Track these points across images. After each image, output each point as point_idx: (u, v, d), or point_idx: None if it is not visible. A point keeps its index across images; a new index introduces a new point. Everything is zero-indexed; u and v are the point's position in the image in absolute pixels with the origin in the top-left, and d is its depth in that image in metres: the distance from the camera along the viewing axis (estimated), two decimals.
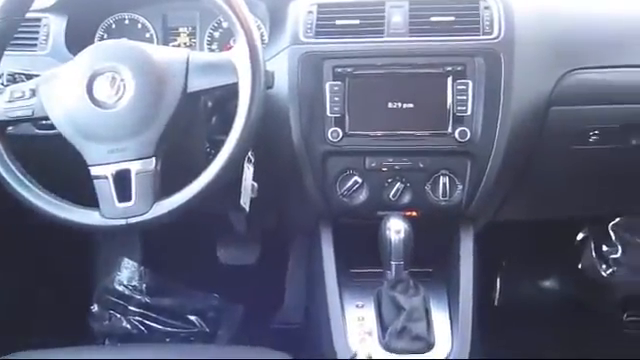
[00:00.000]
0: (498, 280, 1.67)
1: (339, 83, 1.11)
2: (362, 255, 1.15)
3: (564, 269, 1.67)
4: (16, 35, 1.02)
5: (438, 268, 1.23)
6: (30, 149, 1.00)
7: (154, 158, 0.94)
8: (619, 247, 1.63)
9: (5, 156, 0.97)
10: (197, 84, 0.96)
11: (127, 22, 1.30)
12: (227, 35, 1.28)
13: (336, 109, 1.11)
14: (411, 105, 1.11)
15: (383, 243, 1.08)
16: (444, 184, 1.14)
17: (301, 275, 1.60)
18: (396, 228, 1.07)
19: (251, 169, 1.09)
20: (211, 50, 1.29)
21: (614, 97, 1.13)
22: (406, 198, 1.15)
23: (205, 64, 0.97)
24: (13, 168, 0.97)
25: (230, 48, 1.00)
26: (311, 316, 1.42)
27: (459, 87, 1.09)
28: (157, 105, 0.94)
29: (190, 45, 1.30)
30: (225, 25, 1.27)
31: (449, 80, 1.10)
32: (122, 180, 0.93)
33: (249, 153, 1.07)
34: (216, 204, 1.04)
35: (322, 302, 1.15)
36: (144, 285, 1.59)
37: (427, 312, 1.10)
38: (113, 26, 1.29)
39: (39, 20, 1.20)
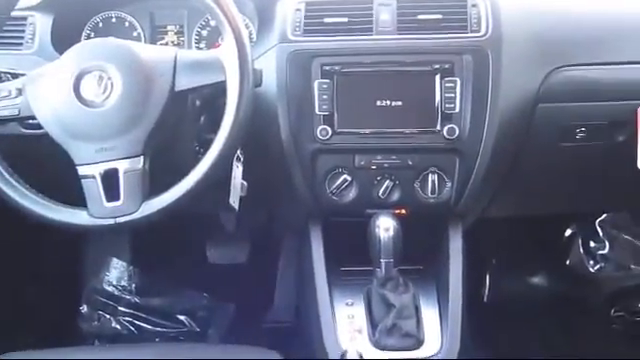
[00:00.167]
0: (487, 277, 1.68)
1: (327, 81, 1.11)
2: (352, 253, 1.15)
3: (552, 265, 1.68)
4: (1, 34, 1.01)
5: (428, 265, 1.24)
6: (17, 149, 0.99)
7: (142, 157, 0.93)
8: (606, 243, 1.64)
9: None
10: (185, 82, 0.96)
11: (114, 20, 1.29)
12: (215, 33, 1.27)
13: (325, 107, 1.11)
14: (400, 103, 1.11)
15: (372, 241, 1.08)
16: (433, 181, 1.14)
17: (291, 274, 1.60)
18: (385, 226, 1.07)
19: (240, 168, 1.09)
20: (199, 49, 1.29)
21: (600, 94, 1.13)
22: (395, 196, 1.15)
23: (193, 62, 0.97)
24: (0, 168, 0.96)
25: (218, 46, 1.00)
26: (301, 314, 1.43)
27: (447, 85, 1.10)
28: (145, 104, 0.94)
29: (178, 43, 1.29)
30: (213, 23, 1.27)
31: (437, 78, 1.10)
32: (110, 179, 0.93)
33: (238, 152, 1.07)
34: (205, 203, 1.03)
35: (312, 300, 1.15)
36: (133, 285, 1.59)
37: (417, 309, 1.11)
38: (100, 25, 1.29)
39: (25, 19, 1.19)
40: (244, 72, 0.95)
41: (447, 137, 1.11)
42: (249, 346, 1.02)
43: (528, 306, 1.65)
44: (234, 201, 1.08)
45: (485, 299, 1.67)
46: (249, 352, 1.01)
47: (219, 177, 0.98)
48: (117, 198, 0.93)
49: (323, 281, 1.15)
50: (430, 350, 1.07)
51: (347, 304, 1.16)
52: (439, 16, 1.12)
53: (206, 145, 0.97)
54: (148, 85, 0.94)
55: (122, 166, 0.93)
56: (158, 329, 1.56)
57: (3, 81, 1.04)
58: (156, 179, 0.95)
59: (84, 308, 1.56)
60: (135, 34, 1.29)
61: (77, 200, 0.95)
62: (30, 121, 1.00)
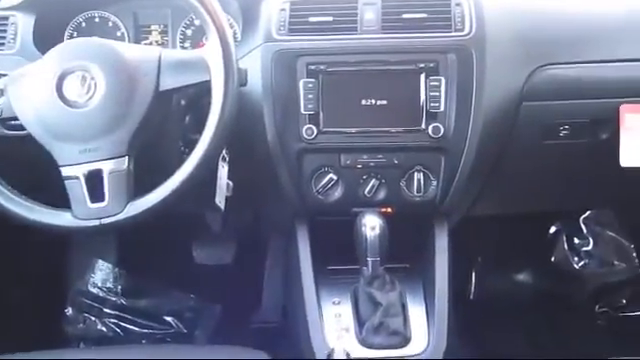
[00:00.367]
0: (473, 274, 1.69)
1: (313, 80, 1.11)
2: (338, 252, 1.15)
3: (537, 262, 1.70)
4: None
5: (414, 263, 1.24)
6: None
7: (127, 157, 0.93)
8: (590, 240, 1.66)
9: None
10: (169, 82, 0.95)
11: (97, 20, 1.28)
12: (200, 33, 1.27)
13: (310, 106, 1.11)
14: (385, 102, 1.11)
15: (359, 239, 1.08)
16: (418, 180, 1.14)
17: (278, 274, 1.60)
18: (371, 224, 1.07)
19: (226, 168, 1.08)
20: (184, 48, 1.28)
21: (583, 92, 1.14)
22: (381, 194, 1.16)
23: (177, 62, 0.97)
24: None
25: (203, 46, 0.99)
26: (288, 314, 1.42)
27: (432, 83, 1.10)
28: (129, 104, 0.93)
29: (162, 43, 1.29)
30: (197, 23, 1.26)
31: (422, 77, 1.10)
32: (94, 180, 0.92)
33: (223, 152, 1.06)
34: (191, 203, 1.03)
35: (299, 300, 1.15)
36: (119, 287, 1.58)
37: (404, 307, 1.11)
38: (83, 24, 1.27)
39: (6, 19, 1.18)
40: (229, 71, 0.95)
41: (432, 136, 1.11)
42: (237, 346, 1.02)
43: (514, 303, 1.66)
44: (220, 201, 1.08)
45: (471, 296, 1.68)
46: (237, 352, 1.00)
47: (204, 177, 0.98)
48: (102, 199, 0.92)
49: (310, 280, 1.15)
50: (417, 348, 1.08)
51: (334, 303, 1.16)
52: (423, 15, 1.13)
53: (191, 145, 0.96)
54: (132, 85, 0.94)
55: (106, 167, 0.92)
56: (144, 331, 1.55)
57: None
58: (141, 179, 0.94)
59: (69, 310, 1.55)
60: (119, 34, 1.28)
61: (61, 201, 0.94)
62: (12, 122, 0.99)
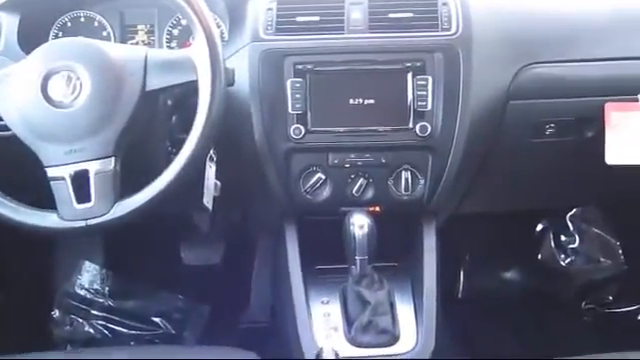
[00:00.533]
0: (461, 272, 1.69)
1: (300, 80, 1.11)
2: (327, 251, 1.16)
3: (525, 260, 1.71)
4: None
5: (402, 262, 1.25)
6: None
7: (113, 158, 0.92)
8: (577, 237, 1.67)
9: None
10: (156, 82, 0.95)
11: (83, 20, 1.27)
12: (186, 33, 1.26)
13: (298, 106, 1.11)
14: (372, 101, 1.12)
15: (347, 239, 1.08)
16: (406, 179, 1.15)
17: (266, 273, 1.59)
18: (360, 223, 1.07)
19: (213, 168, 1.08)
20: (170, 48, 1.27)
21: (568, 91, 1.15)
22: (369, 193, 1.16)
23: (164, 62, 0.96)
24: None
25: (189, 46, 0.99)
26: (277, 314, 1.42)
27: (419, 83, 1.11)
28: (115, 104, 0.92)
29: (148, 43, 1.28)
30: (184, 22, 1.26)
31: (409, 76, 1.11)
32: (80, 181, 0.91)
33: (211, 152, 1.06)
34: (178, 204, 1.03)
35: (288, 299, 1.15)
36: (106, 288, 1.57)
37: (392, 306, 1.12)
38: (68, 24, 1.26)
39: None
40: (216, 71, 0.94)
41: (419, 135, 1.11)
42: (225, 347, 1.01)
43: (502, 301, 1.67)
44: (208, 201, 1.08)
45: (459, 294, 1.69)
46: (226, 353, 1.00)
47: (192, 177, 0.98)
48: (88, 200, 0.91)
49: (298, 280, 1.15)
50: (406, 346, 1.08)
51: (323, 302, 1.16)
52: (410, 14, 1.13)
53: (178, 145, 0.96)
54: (118, 85, 0.93)
55: (93, 167, 0.91)
56: (132, 332, 1.54)
57: None
58: (128, 180, 0.94)
59: (56, 313, 1.53)
60: (105, 34, 1.27)
61: (47, 202, 0.93)
62: None
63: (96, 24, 1.27)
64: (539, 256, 1.69)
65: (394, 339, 1.08)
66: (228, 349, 1.00)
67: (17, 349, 0.98)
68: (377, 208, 1.17)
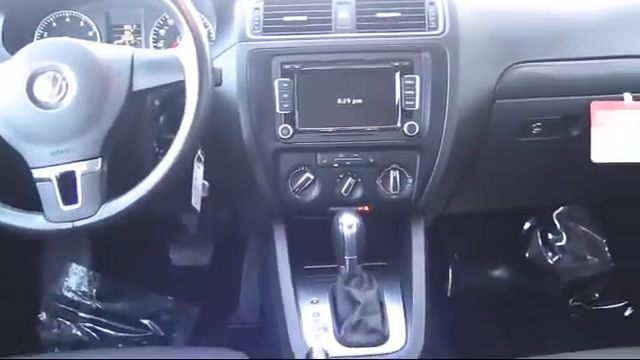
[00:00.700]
0: (450, 271, 1.70)
1: (288, 80, 1.10)
2: (316, 251, 1.15)
3: (513, 258, 1.72)
4: None
5: (391, 261, 1.25)
6: None
7: (100, 159, 0.91)
8: (564, 235, 1.69)
9: None
10: (143, 82, 0.94)
11: (68, 20, 1.26)
12: (173, 33, 1.25)
13: (286, 106, 1.11)
14: (360, 100, 1.12)
15: (336, 238, 1.08)
16: (394, 178, 1.15)
17: (256, 274, 1.59)
18: (348, 223, 1.07)
19: (201, 168, 1.08)
20: (157, 48, 1.27)
21: (554, 90, 1.16)
22: (358, 193, 1.16)
23: (150, 62, 0.96)
24: None
25: (176, 46, 0.99)
26: (267, 314, 1.42)
27: (407, 82, 1.11)
28: (102, 104, 0.92)
29: (135, 43, 1.27)
30: (171, 22, 1.25)
31: (397, 75, 1.11)
32: (67, 182, 0.91)
33: (199, 152, 1.05)
34: (166, 205, 1.02)
35: (277, 300, 1.15)
36: (94, 290, 1.56)
37: (381, 305, 1.12)
38: (54, 24, 1.25)
39: None
40: (203, 71, 0.94)
41: (407, 134, 1.12)
42: (215, 347, 1.01)
43: (490, 299, 1.68)
44: (196, 202, 1.07)
45: (448, 293, 1.70)
46: (215, 353, 1.00)
47: (180, 178, 0.97)
48: (75, 201, 0.91)
49: (287, 280, 1.15)
50: (395, 345, 1.08)
51: (312, 302, 1.16)
52: (397, 14, 1.13)
53: (166, 145, 0.95)
54: (104, 85, 0.92)
55: (79, 168, 0.91)
56: (121, 334, 1.54)
57: None
58: (115, 181, 0.93)
59: (43, 315, 1.52)
60: (90, 34, 1.26)
61: (33, 204, 0.92)
62: None
63: (82, 24, 1.26)
64: (527, 254, 1.71)
65: (384, 338, 1.08)
66: (217, 350, 1.00)
67: (4, 352, 0.97)
68: (366, 208, 1.17)
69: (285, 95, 1.11)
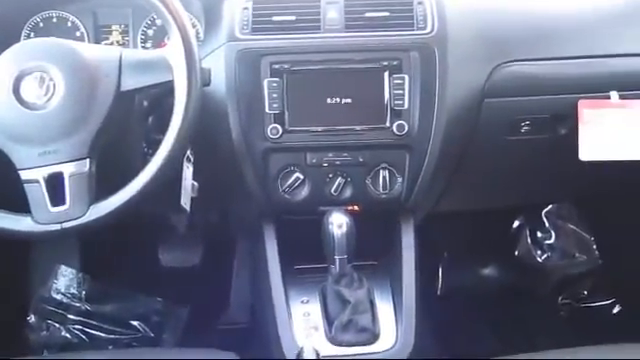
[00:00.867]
0: (440, 270, 1.71)
1: (277, 79, 1.10)
2: (306, 251, 1.15)
3: (502, 256, 1.73)
4: None
5: (381, 260, 1.25)
6: None
7: (88, 160, 0.91)
8: (552, 233, 1.70)
9: None
10: (131, 83, 0.94)
11: (55, 20, 1.25)
12: (161, 33, 1.25)
13: (275, 106, 1.11)
14: (349, 100, 1.12)
15: (326, 238, 1.08)
16: (384, 177, 1.15)
17: (246, 274, 1.59)
18: (338, 222, 1.07)
19: (190, 168, 1.07)
20: (145, 48, 1.26)
21: (542, 88, 1.17)
22: (347, 193, 1.16)
23: (139, 62, 0.95)
24: None
25: (165, 46, 0.98)
26: (257, 314, 1.42)
27: (396, 81, 1.11)
28: (89, 105, 0.91)
29: (123, 43, 1.27)
30: (159, 22, 1.25)
31: (386, 75, 1.11)
32: (55, 183, 0.90)
33: (188, 152, 1.05)
34: (155, 205, 1.02)
35: (267, 299, 1.15)
36: (83, 292, 1.55)
37: (372, 304, 1.12)
38: (40, 25, 1.24)
39: None
40: (192, 71, 0.94)
41: (397, 133, 1.12)
42: (205, 348, 1.01)
43: (480, 297, 1.69)
44: (185, 202, 1.07)
45: (438, 291, 1.70)
46: (206, 354, 1.00)
47: (169, 178, 0.97)
48: (63, 202, 0.90)
49: (278, 280, 1.15)
50: (386, 344, 1.09)
51: (302, 302, 1.16)
52: (386, 14, 1.13)
53: (155, 146, 0.95)
54: (92, 85, 0.92)
55: (67, 169, 0.90)
56: (110, 336, 1.53)
57: None
58: (103, 182, 0.93)
59: (32, 318, 1.51)
60: (78, 34, 1.26)
61: (21, 206, 0.91)
62: None
63: (69, 24, 1.25)
64: (516, 252, 1.72)
65: (374, 337, 1.09)
66: (208, 350, 1.00)
67: None
68: (356, 207, 1.17)
69: (274, 95, 1.10)
